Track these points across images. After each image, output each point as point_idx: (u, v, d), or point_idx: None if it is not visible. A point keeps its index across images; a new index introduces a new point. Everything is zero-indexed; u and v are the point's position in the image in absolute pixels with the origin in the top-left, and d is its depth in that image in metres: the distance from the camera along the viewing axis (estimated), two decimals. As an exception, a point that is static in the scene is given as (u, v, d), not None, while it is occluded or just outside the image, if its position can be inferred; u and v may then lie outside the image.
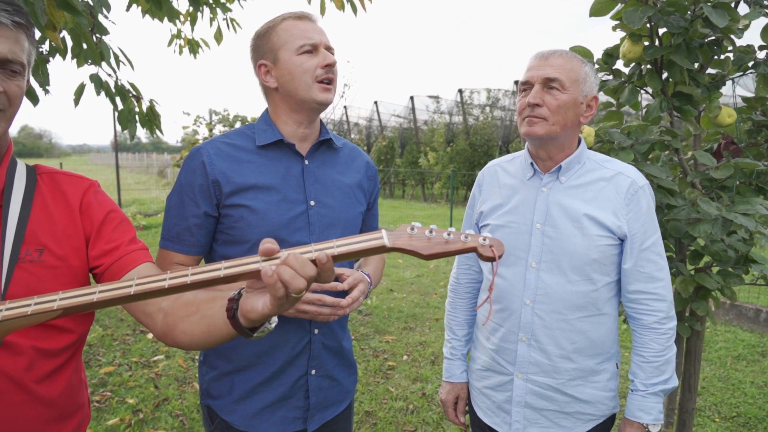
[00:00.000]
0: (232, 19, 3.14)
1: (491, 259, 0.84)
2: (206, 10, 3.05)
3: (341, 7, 2.49)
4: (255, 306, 0.81)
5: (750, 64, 1.99)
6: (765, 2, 1.93)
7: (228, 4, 2.94)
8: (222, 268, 0.77)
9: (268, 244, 0.77)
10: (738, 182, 2.07)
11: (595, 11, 1.88)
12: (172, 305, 1.00)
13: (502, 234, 1.49)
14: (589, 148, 1.81)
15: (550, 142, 1.42)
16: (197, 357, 4.01)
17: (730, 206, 1.63)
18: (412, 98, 17.32)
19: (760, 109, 2.09)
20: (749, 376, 3.79)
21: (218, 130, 9.73)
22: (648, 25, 1.85)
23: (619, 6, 1.86)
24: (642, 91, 2.01)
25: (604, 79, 2.07)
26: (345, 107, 18.87)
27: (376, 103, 18.93)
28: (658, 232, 1.43)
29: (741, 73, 2.06)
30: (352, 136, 19.89)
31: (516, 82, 13.41)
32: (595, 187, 1.42)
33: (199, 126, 9.84)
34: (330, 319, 1.29)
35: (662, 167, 1.74)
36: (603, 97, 2.26)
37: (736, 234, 1.91)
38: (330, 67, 1.32)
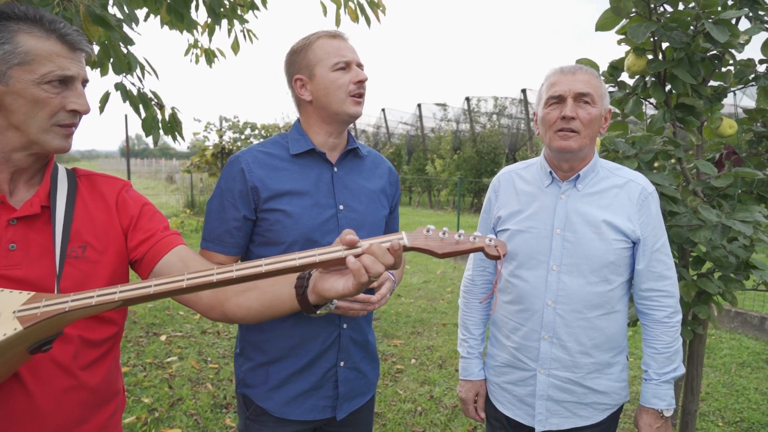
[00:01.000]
0: (249, 30, 3.24)
1: (496, 258, 0.96)
2: (224, 21, 3.15)
3: (356, 19, 2.59)
4: (334, 286, 0.95)
5: (751, 77, 2.07)
6: (765, 17, 2.01)
7: (244, 16, 3.05)
8: (297, 258, 0.88)
9: (350, 235, 0.91)
10: (740, 191, 2.14)
11: (601, 26, 1.97)
12: None
13: (523, 238, 1.57)
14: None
15: (578, 154, 1.49)
16: (209, 359, 4.10)
17: (730, 214, 1.71)
18: (419, 105, 17.45)
19: (761, 120, 2.16)
20: (753, 382, 3.83)
21: (228, 136, 9.89)
22: (651, 40, 1.93)
23: (624, 21, 1.95)
24: (646, 102, 2.09)
25: (610, 90, 2.15)
26: (383, 110, 19.05)
27: (383, 110, 19.07)
28: (665, 234, 1.54)
29: (742, 86, 2.14)
30: (361, 142, 19.99)
31: (523, 91, 13.49)
32: (609, 194, 1.51)
33: (209, 132, 10.02)
34: (360, 314, 1.39)
35: (666, 176, 1.82)
36: (608, 108, 2.34)
37: (737, 240, 1.98)
38: (361, 83, 1.43)
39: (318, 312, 1.03)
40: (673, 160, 2.04)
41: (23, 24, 0.96)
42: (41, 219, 1.02)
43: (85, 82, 1.03)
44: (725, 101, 2.14)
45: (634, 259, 1.53)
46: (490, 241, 0.96)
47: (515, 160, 14.79)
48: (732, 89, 2.13)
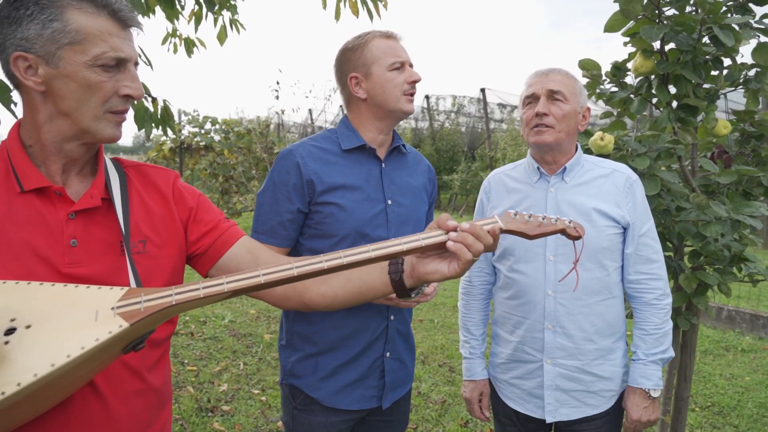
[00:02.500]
0: (235, 20, 3.14)
1: (576, 238, 1.01)
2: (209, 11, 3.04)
3: (356, 13, 2.56)
4: (439, 269, 0.97)
5: (741, 80, 2.19)
6: (755, 24, 2.13)
7: (236, 6, 2.95)
8: (402, 243, 0.91)
9: (451, 222, 0.94)
10: (728, 188, 2.26)
11: (609, 28, 2.02)
12: None
13: None
14: (608, 155, 1.95)
15: (556, 148, 1.59)
16: (186, 361, 3.96)
17: (737, 209, 1.80)
18: (342, 107, 17.44)
19: (749, 121, 2.29)
20: (717, 369, 4.07)
21: (187, 131, 9.54)
22: (658, 42, 2.00)
23: (630, 24, 2.01)
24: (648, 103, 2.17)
25: (612, 90, 2.22)
26: (341, 107, 18.83)
27: (341, 107, 18.96)
28: (651, 219, 1.63)
29: (732, 89, 2.25)
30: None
31: (482, 90, 13.75)
32: (596, 183, 1.60)
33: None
34: (411, 305, 1.42)
35: (673, 173, 1.89)
36: (602, 108, 2.42)
37: (728, 236, 2.08)
38: (415, 82, 1.47)
39: (412, 295, 1.05)
40: (674, 158, 2.13)
41: None
42: (100, 212, 0.95)
43: (136, 63, 0.96)
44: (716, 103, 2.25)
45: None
46: (570, 222, 1.01)
47: (474, 158, 15.06)
48: (722, 92, 2.24)
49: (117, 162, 1.05)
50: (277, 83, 5.59)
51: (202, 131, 9.52)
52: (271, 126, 7.87)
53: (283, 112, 5.83)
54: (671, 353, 1.59)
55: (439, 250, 0.96)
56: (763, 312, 4.99)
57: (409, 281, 1.01)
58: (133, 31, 0.94)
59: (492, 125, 14.79)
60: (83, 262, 0.90)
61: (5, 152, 0.92)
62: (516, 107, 14.59)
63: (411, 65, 1.49)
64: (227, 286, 0.79)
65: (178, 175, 1.12)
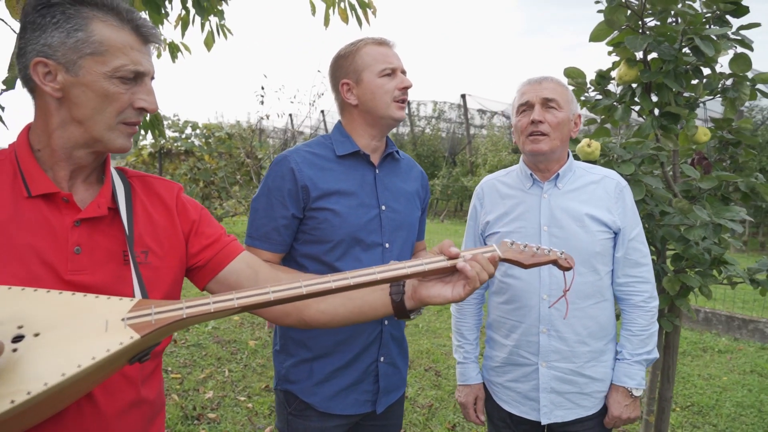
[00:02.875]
0: (222, 25, 3.13)
1: (568, 269, 1.06)
2: (197, 16, 3.03)
3: (345, 20, 2.57)
4: (442, 293, 0.99)
5: (719, 89, 2.26)
6: (732, 36, 2.21)
7: (223, 11, 2.94)
8: (407, 267, 0.92)
9: (453, 248, 0.96)
10: (709, 194, 2.33)
11: (594, 37, 2.08)
12: None
13: (512, 239, 1.64)
14: (595, 161, 2.00)
15: (550, 156, 1.62)
16: (170, 368, 3.90)
17: (718, 213, 1.86)
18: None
19: (727, 128, 2.37)
20: (695, 369, 4.16)
21: (167, 135, 9.43)
22: (641, 52, 2.06)
23: (614, 33, 2.07)
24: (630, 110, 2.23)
25: (597, 98, 2.27)
26: (322, 111, 18.69)
27: (322, 112, 18.93)
28: (640, 224, 1.67)
29: (711, 97, 2.33)
30: (299, 144, 19.75)
31: (463, 96, 13.88)
32: (587, 189, 1.64)
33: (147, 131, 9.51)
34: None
35: (657, 179, 1.95)
36: (585, 115, 2.48)
37: (708, 240, 2.15)
38: (406, 89, 1.47)
39: (412, 317, 1.06)
40: (656, 165, 2.19)
41: (98, 11, 0.89)
42: (105, 221, 0.95)
43: (152, 78, 0.97)
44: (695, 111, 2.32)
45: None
46: (561, 254, 1.06)
47: (454, 164, 15.18)
48: (701, 100, 2.32)
49: (122, 172, 1.06)
50: (262, 88, 5.56)
51: (183, 136, 9.42)
52: (263, 131, 7.84)
53: (268, 117, 5.79)
54: (656, 354, 1.64)
55: (441, 274, 1.00)
56: (738, 314, 5.13)
57: (410, 303, 1.04)
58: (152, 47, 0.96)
59: (472, 131, 14.93)
60: (86, 270, 0.90)
61: (13, 155, 0.92)
62: (496, 113, 14.77)
63: (404, 72, 1.50)
64: (237, 302, 0.79)
65: (181, 187, 1.13)
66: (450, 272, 1.00)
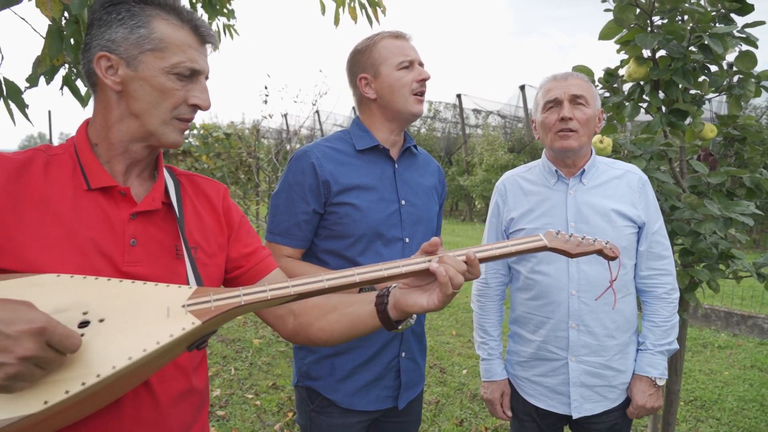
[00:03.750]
0: (230, 26, 3.15)
1: (613, 258, 1.06)
2: (205, 15, 3.04)
3: (355, 18, 2.60)
4: (418, 301, 0.95)
5: (725, 86, 2.30)
6: (737, 33, 2.25)
7: (234, 11, 2.96)
8: (383, 269, 0.89)
9: (439, 248, 0.93)
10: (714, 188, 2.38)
11: (604, 35, 2.12)
12: (302, 308, 1.09)
13: None
14: (607, 157, 2.04)
15: (578, 152, 1.63)
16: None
17: (728, 207, 1.90)
18: (354, 108, 17.49)
19: (732, 125, 2.41)
20: (697, 365, 4.22)
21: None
22: (650, 50, 2.10)
23: (623, 32, 2.11)
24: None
25: (605, 96, 2.31)
26: (317, 112, 18.62)
27: (317, 112, 18.93)
28: (661, 217, 1.70)
29: (716, 94, 2.37)
30: (295, 144, 19.75)
31: (458, 96, 13.92)
32: (611, 184, 1.65)
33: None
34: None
35: (668, 174, 1.98)
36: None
37: (716, 234, 2.19)
38: (424, 81, 1.47)
39: (399, 327, 1.02)
40: (665, 161, 2.23)
41: (161, 10, 0.92)
42: (158, 215, 0.97)
43: (207, 77, 0.99)
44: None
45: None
46: (606, 243, 1.05)
47: (450, 163, 15.22)
48: (706, 97, 2.36)
49: (170, 170, 1.08)
50: (266, 88, 5.58)
51: (180, 136, 9.40)
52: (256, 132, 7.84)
53: (271, 116, 5.81)
54: (677, 345, 1.67)
55: (422, 279, 0.95)
56: (737, 310, 5.19)
57: (393, 313, 0.99)
58: (209, 47, 0.99)
59: (468, 130, 14.98)
60: (141, 262, 0.92)
61: (73, 149, 0.94)
62: (491, 113, 14.82)
63: (421, 64, 1.50)
64: (293, 289, 0.81)
65: (227, 189, 1.15)
66: (430, 276, 0.94)
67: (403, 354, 1.54)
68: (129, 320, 0.74)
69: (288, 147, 8.49)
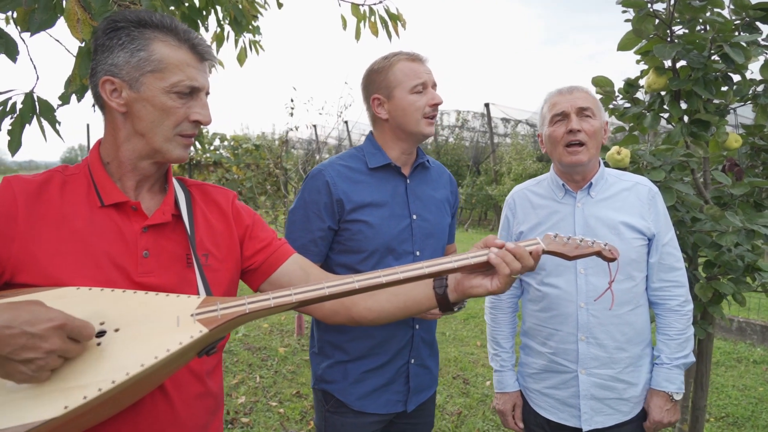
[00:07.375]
0: (255, 42, 3.24)
1: (612, 260, 1.04)
2: (232, 33, 3.15)
3: (376, 33, 2.65)
4: (483, 283, 1.02)
5: (750, 95, 2.26)
6: (762, 42, 2.21)
7: (259, 27, 3.05)
8: (453, 261, 0.97)
9: (498, 241, 1.00)
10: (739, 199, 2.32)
11: (622, 46, 2.11)
12: None
13: None
14: (625, 168, 2.02)
15: (587, 166, 1.63)
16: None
17: (751, 219, 1.86)
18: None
19: (759, 135, 2.36)
20: (730, 380, 4.08)
21: (197, 147, 9.66)
22: (670, 60, 2.08)
23: (642, 42, 2.10)
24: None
25: (625, 107, 2.30)
26: (346, 122, 18.84)
27: (346, 123, 19.12)
28: (672, 229, 1.68)
29: (741, 104, 2.33)
30: (324, 154, 20.01)
31: (486, 105, 13.87)
32: (620, 197, 1.65)
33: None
34: (438, 317, 1.49)
35: (689, 185, 1.96)
36: (614, 122, 2.50)
37: (741, 246, 2.14)
38: (437, 105, 1.52)
39: (456, 309, 1.10)
40: (687, 171, 2.19)
41: (158, 32, 0.97)
42: (169, 227, 1.02)
43: (207, 93, 1.04)
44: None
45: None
46: (605, 245, 1.06)
47: (479, 172, 15.14)
48: (731, 106, 2.32)
49: (181, 181, 1.14)
50: (291, 100, 5.71)
51: (211, 147, 9.64)
52: (288, 142, 8.00)
53: (297, 128, 5.93)
54: (692, 358, 1.65)
55: (483, 269, 1.03)
56: (774, 323, 5.01)
57: (453, 296, 1.07)
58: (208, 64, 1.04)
59: (496, 139, 14.90)
60: (154, 272, 0.97)
61: (87, 169, 1.01)
62: (520, 122, 14.70)
63: (434, 86, 1.54)
64: (295, 297, 0.85)
65: (236, 194, 1.21)
66: (489, 266, 1.03)
67: (413, 360, 1.59)
68: (142, 329, 0.79)
69: (317, 157, 8.61)
